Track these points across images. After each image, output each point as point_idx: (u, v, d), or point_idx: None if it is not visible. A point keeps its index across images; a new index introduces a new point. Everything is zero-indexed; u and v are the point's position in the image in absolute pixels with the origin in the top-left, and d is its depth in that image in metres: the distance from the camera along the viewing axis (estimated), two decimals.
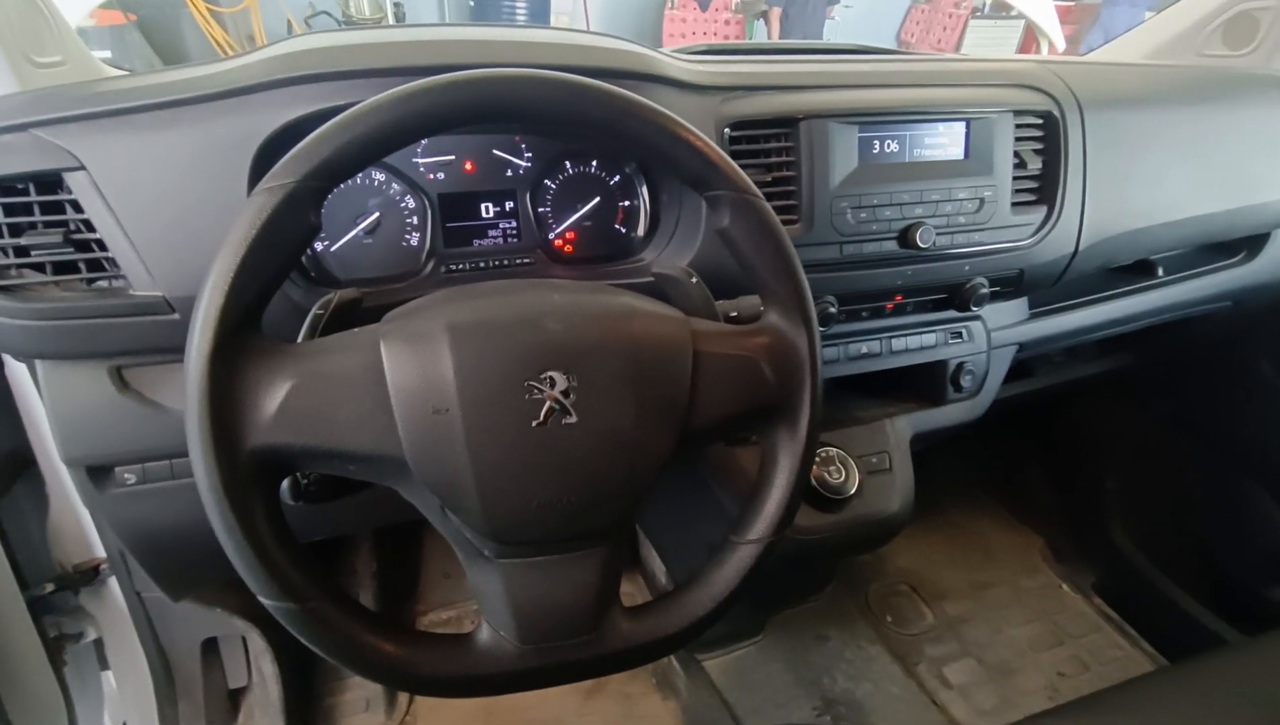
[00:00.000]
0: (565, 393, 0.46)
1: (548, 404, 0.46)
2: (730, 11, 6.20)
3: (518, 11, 5.32)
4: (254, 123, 0.58)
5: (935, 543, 1.56)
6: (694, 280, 0.61)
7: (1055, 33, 1.54)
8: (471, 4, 5.51)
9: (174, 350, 0.53)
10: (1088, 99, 0.83)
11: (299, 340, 0.51)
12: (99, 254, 0.58)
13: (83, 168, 0.56)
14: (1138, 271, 1.06)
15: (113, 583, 0.92)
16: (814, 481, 0.81)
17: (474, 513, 0.46)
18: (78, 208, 0.57)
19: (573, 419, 0.46)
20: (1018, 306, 0.96)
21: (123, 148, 0.57)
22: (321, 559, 1.30)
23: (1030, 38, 5.88)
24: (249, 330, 0.44)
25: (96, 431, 0.64)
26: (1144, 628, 1.38)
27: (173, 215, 0.58)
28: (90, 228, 0.57)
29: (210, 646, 1.04)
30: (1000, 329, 0.94)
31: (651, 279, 0.64)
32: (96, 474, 0.67)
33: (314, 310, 0.52)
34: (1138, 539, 1.44)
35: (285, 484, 0.53)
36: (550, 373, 0.46)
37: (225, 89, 0.58)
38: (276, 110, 0.58)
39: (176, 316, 0.60)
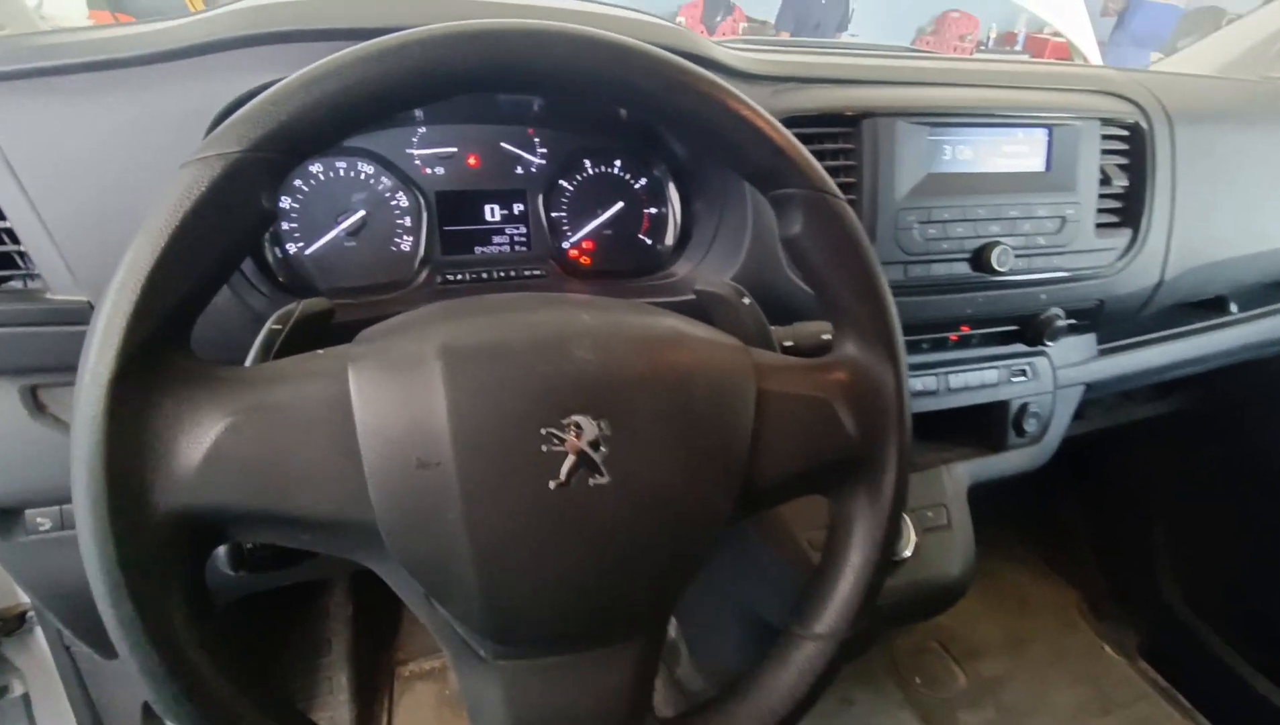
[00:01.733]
0: (595, 443, 0.34)
1: (571, 458, 0.34)
2: (738, 36, 6.20)
3: None
4: (211, 90, 0.46)
5: (966, 594, 1.43)
6: (746, 301, 0.50)
7: (1092, 53, 1.45)
8: None
9: None
10: (1177, 111, 0.73)
11: (248, 361, 0.40)
12: (9, 247, 0.47)
13: None
14: (1208, 307, 0.95)
15: (39, 633, 0.78)
16: None
17: (469, 602, 0.34)
18: None
19: (604, 479, 0.34)
20: (1086, 343, 0.85)
21: (44, 117, 0.46)
22: (290, 603, 1.18)
23: None
24: (170, 347, 0.33)
25: (2, 465, 0.52)
26: (1197, 697, 1.26)
27: (104, 202, 0.47)
28: None
29: (152, 710, 0.90)
30: (1067, 367, 0.83)
31: (691, 297, 0.53)
32: (2, 518, 0.55)
33: (269, 324, 0.41)
34: (1189, 596, 1.32)
35: (223, 549, 0.41)
36: (576, 417, 0.34)
37: (177, 47, 0.47)
38: (239, 75, 0.47)
39: None
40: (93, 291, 0.47)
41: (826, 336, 0.55)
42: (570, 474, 0.34)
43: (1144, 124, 0.71)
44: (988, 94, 0.66)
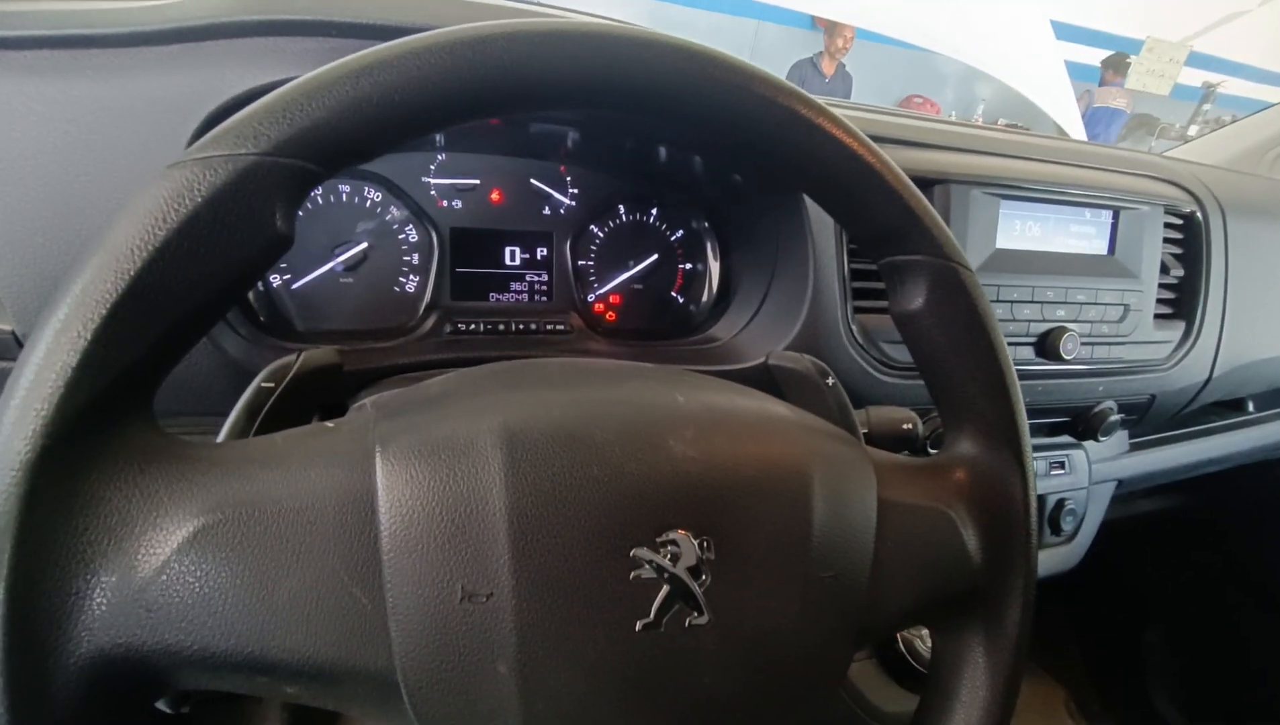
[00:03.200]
0: (696, 570, 0.26)
1: (665, 590, 0.25)
2: None
3: None
4: (204, 82, 0.38)
5: None
6: (830, 381, 0.42)
7: (1079, 135, 1.48)
8: None
9: None
10: (1229, 203, 0.71)
11: (223, 434, 0.30)
12: None
13: None
14: (1225, 406, 0.93)
15: None
16: (903, 649, 0.62)
17: None
18: None
19: (702, 619, 0.26)
20: (1119, 438, 0.80)
21: None
22: (214, 700, 1.02)
23: None
24: (128, 415, 0.23)
25: None
26: None
27: (53, 209, 0.37)
28: None
29: None
30: (1101, 462, 0.78)
31: (747, 367, 0.46)
32: None
33: (258, 381, 0.31)
34: (1180, 703, 1.27)
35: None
36: (673, 534, 0.26)
37: (167, 28, 0.38)
38: (242, 68, 0.38)
39: None
40: (22, 320, 0.37)
41: (908, 426, 0.48)
42: (662, 612, 0.25)
43: (1200, 214, 0.68)
44: (1059, 170, 0.62)
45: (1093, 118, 5.94)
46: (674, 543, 0.26)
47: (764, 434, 0.30)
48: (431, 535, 0.24)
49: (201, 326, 0.25)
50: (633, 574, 0.25)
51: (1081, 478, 0.76)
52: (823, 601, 0.29)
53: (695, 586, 0.26)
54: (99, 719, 0.22)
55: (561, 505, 0.25)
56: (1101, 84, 5.99)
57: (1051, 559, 0.78)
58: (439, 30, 0.25)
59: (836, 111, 0.52)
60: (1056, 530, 0.76)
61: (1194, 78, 7.31)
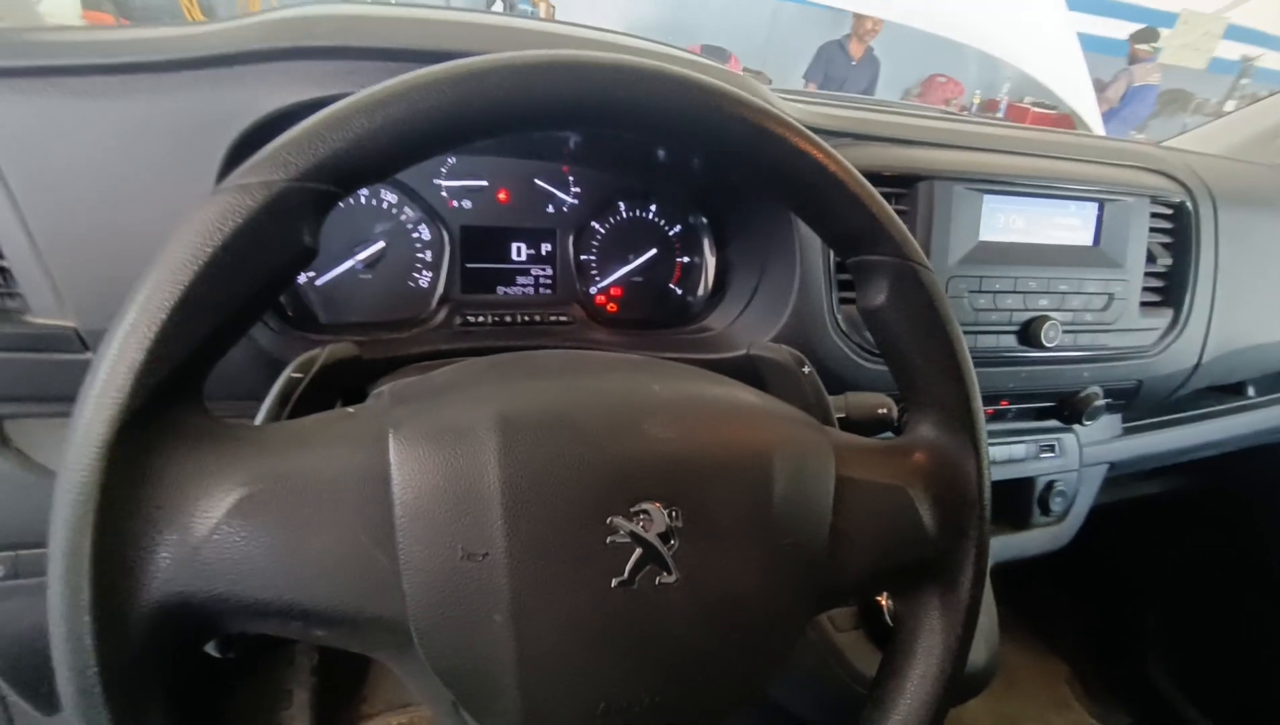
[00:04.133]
0: (665, 536, 0.30)
1: (638, 552, 0.29)
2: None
3: None
4: (236, 103, 0.42)
5: None
6: (806, 369, 0.46)
7: (1096, 125, 1.47)
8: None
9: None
10: (1220, 192, 0.72)
11: (260, 417, 0.35)
12: None
13: None
14: (1225, 391, 0.94)
15: None
16: (889, 620, 0.65)
17: (507, 716, 0.29)
18: None
19: (670, 578, 0.30)
20: (1112, 421, 0.82)
21: (44, 120, 0.41)
22: (250, 648, 1.09)
23: None
24: (182, 402, 0.27)
25: None
26: None
27: (102, 219, 0.41)
28: None
29: None
30: (1093, 445, 0.81)
31: (732, 357, 0.49)
32: None
33: (288, 372, 0.36)
34: (1181, 681, 1.29)
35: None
36: (645, 504, 0.30)
37: (200, 55, 0.42)
38: (270, 90, 0.42)
39: (89, 356, 0.42)
40: (79, 317, 0.42)
41: (883, 411, 0.52)
42: (635, 571, 0.29)
43: (1189, 204, 0.70)
44: (1042, 163, 0.64)
45: (1131, 96, 5.78)
46: (646, 512, 0.30)
47: (731, 418, 0.33)
48: (436, 504, 0.28)
49: (242, 326, 0.29)
50: (609, 539, 0.29)
51: (1072, 461, 0.79)
52: (783, 565, 0.32)
53: (664, 550, 0.30)
54: (163, 653, 0.27)
55: (548, 479, 0.29)
56: (1132, 60, 5.83)
57: (1042, 538, 0.80)
58: (443, 65, 0.29)
59: (805, 119, 0.55)
60: (1046, 511, 0.79)
61: (1232, 51, 7.08)
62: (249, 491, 0.27)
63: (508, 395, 0.31)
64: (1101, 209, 0.65)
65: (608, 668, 0.30)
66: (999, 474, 0.75)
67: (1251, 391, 0.94)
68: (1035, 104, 6.07)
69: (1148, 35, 5.83)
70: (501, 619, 0.28)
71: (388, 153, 0.29)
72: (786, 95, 0.63)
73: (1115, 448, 0.82)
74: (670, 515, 0.30)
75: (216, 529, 0.26)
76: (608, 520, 0.29)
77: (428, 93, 0.29)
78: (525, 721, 0.29)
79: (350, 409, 0.32)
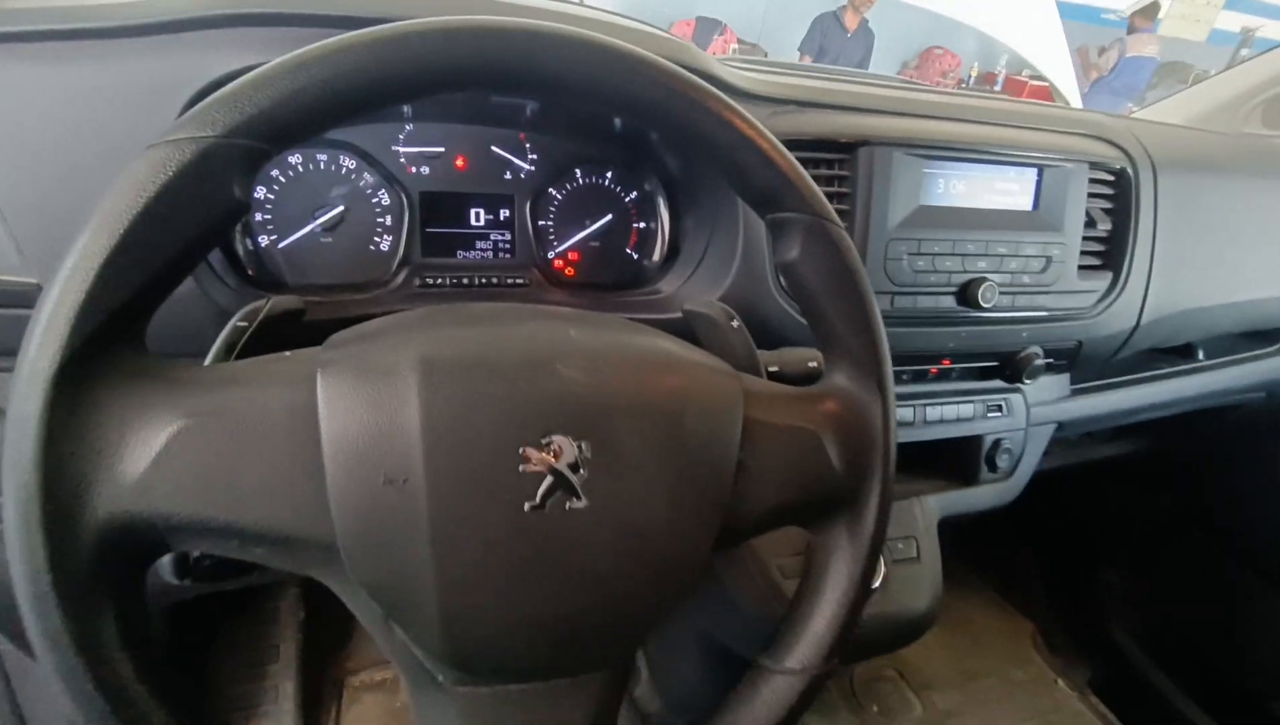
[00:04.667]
0: (574, 466, 0.33)
1: (548, 480, 0.32)
2: (728, 57, 6.27)
3: None
4: (186, 67, 0.44)
5: None
6: (735, 324, 0.48)
7: (1073, 93, 1.48)
8: None
9: None
10: (1162, 159, 0.74)
11: (207, 361, 0.37)
12: None
13: None
14: (1175, 354, 0.97)
15: None
16: None
17: (429, 626, 0.32)
18: None
19: (580, 503, 0.33)
20: (1060, 382, 0.85)
21: (1, 85, 0.43)
22: (237, 607, 1.13)
23: None
24: (121, 343, 0.30)
25: None
26: None
27: (61, 179, 0.44)
28: None
29: None
30: (1040, 405, 0.84)
31: (676, 316, 0.52)
32: None
33: (234, 321, 0.38)
34: (1137, 636, 1.34)
35: (166, 557, 0.38)
36: (556, 437, 0.33)
37: (150, 21, 0.44)
38: (217, 54, 0.44)
39: None
40: (42, 272, 0.44)
41: (813, 364, 0.54)
42: (546, 496, 0.32)
43: (1130, 170, 0.72)
44: (983, 130, 0.66)
45: (1123, 67, 5.76)
46: (557, 444, 0.33)
47: (642, 361, 0.36)
48: (360, 436, 0.30)
49: (178, 274, 0.31)
50: (521, 467, 0.32)
51: (1019, 420, 0.82)
52: (687, 496, 0.35)
53: (574, 478, 0.33)
54: (113, 567, 0.29)
55: (464, 413, 0.31)
56: (1130, 31, 5.78)
57: (989, 494, 0.84)
58: (367, 30, 0.31)
59: (750, 87, 0.57)
60: (993, 468, 0.82)
61: (1232, 22, 7.01)
62: (187, 423, 0.29)
63: (431, 340, 0.33)
64: (1041, 174, 0.67)
65: (522, 584, 0.33)
66: (948, 432, 0.79)
67: (1201, 355, 0.97)
68: (1033, 77, 6.03)
69: (1148, 9, 5.77)
70: (420, 538, 0.31)
71: (312, 111, 0.31)
72: (733, 63, 0.64)
73: (1063, 408, 0.86)
74: (579, 448, 0.33)
75: (156, 456, 0.29)
76: (520, 450, 0.32)
77: (349, 55, 0.31)
78: (446, 633, 0.32)
79: (288, 353, 0.34)
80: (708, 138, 0.38)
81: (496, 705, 0.35)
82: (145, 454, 0.29)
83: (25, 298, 0.44)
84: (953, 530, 1.55)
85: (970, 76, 7.16)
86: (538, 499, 0.32)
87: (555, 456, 0.32)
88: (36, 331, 0.28)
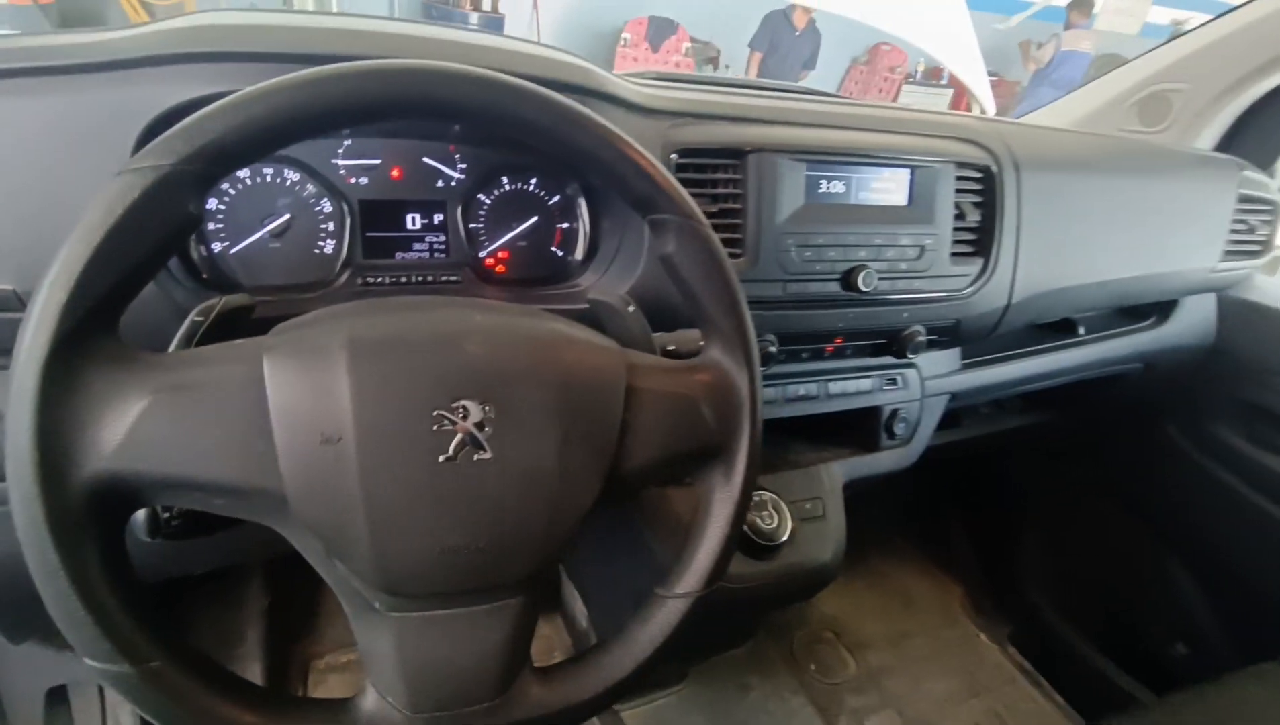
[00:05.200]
0: (480, 425, 0.40)
1: (459, 436, 0.40)
2: (680, 55, 6.37)
3: (470, 30, 5.33)
4: (140, 99, 0.50)
5: (859, 590, 1.55)
6: (631, 309, 0.57)
7: (987, 99, 1.62)
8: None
9: None
10: (1024, 158, 0.85)
11: (170, 349, 0.44)
12: None
13: None
14: (1060, 329, 1.09)
15: None
16: (746, 528, 0.78)
17: (364, 559, 0.40)
18: None
19: (487, 455, 0.41)
20: (951, 357, 0.96)
21: None
22: (206, 590, 1.18)
23: (959, 106, 6.30)
24: (99, 333, 0.37)
25: None
26: (1057, 682, 1.40)
27: (31, 197, 0.50)
28: None
29: (58, 696, 0.90)
30: (934, 378, 0.94)
31: (586, 306, 0.60)
32: None
33: (192, 316, 0.45)
34: (1051, 594, 1.47)
35: (141, 516, 0.45)
36: (464, 401, 0.40)
37: (109, 59, 0.51)
38: (169, 88, 0.51)
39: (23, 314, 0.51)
40: (16, 279, 0.50)
41: (703, 343, 0.63)
42: (457, 450, 0.40)
43: (995, 168, 0.82)
44: (859, 136, 0.75)
45: (1060, 61, 6.03)
46: (465, 408, 0.40)
47: (536, 339, 0.44)
48: (300, 403, 0.38)
49: (145, 277, 0.38)
50: (436, 427, 0.40)
51: (914, 392, 0.92)
52: (576, 449, 0.43)
53: (479, 434, 0.40)
54: (99, 515, 0.36)
55: (386, 382, 0.39)
56: (1067, 27, 6.05)
57: (889, 459, 0.94)
58: (297, 74, 0.39)
59: (650, 103, 0.65)
60: (892, 435, 0.92)
61: (1163, 16, 7.34)
62: (154, 398, 0.37)
63: (357, 325, 0.41)
64: (913, 174, 0.77)
65: (438, 522, 0.40)
66: (849, 404, 0.88)
67: (1081, 331, 1.08)
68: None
69: (1083, 4, 6.04)
70: (353, 484, 0.38)
71: (253, 141, 0.39)
72: (636, 80, 0.72)
73: (954, 380, 0.96)
74: (484, 409, 0.41)
75: (131, 425, 0.36)
76: (434, 412, 0.40)
77: (282, 95, 0.38)
78: (377, 563, 0.40)
79: (238, 341, 0.42)
80: (590, 154, 0.46)
81: (424, 627, 0.43)
82: (122, 423, 0.36)
83: (1, 302, 0.50)
84: (887, 505, 1.67)
85: (918, 71, 7.38)
86: (450, 452, 0.40)
87: (464, 417, 0.40)
88: (30, 324, 0.35)
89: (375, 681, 0.43)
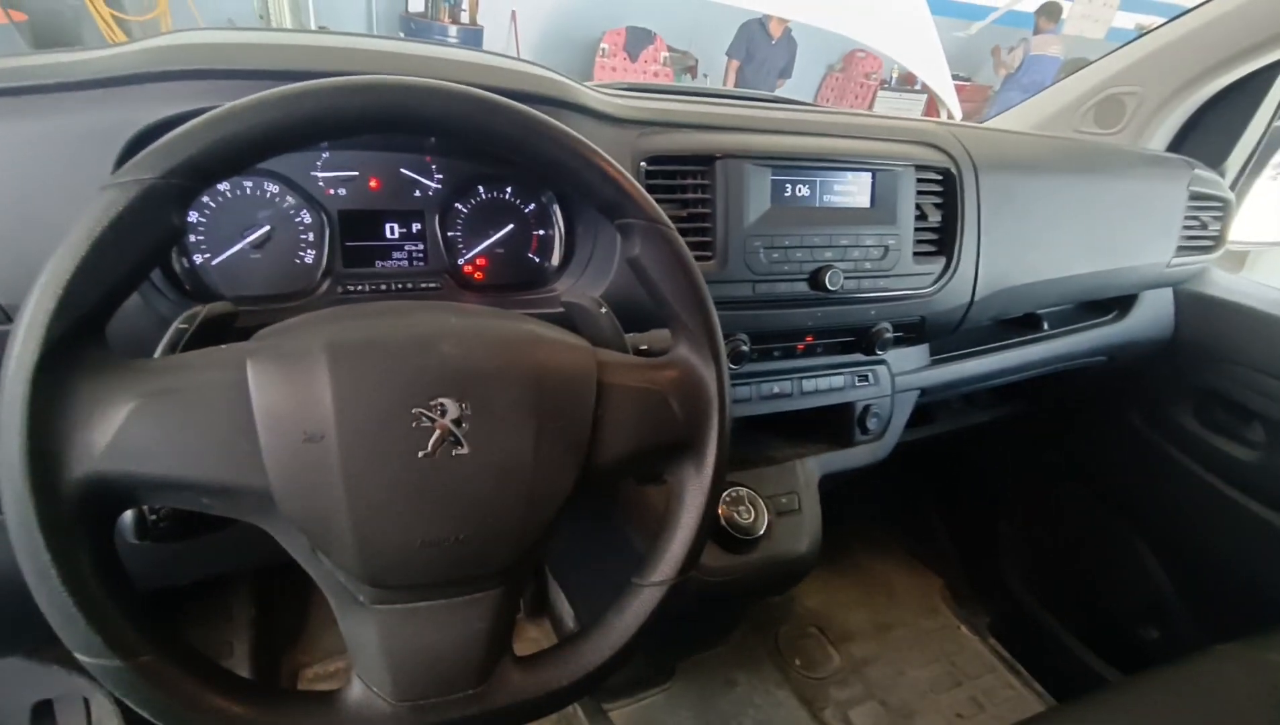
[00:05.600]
0: (457, 421, 0.42)
1: (437, 432, 0.42)
2: (659, 64, 6.43)
3: (449, 43, 5.35)
4: (122, 117, 0.52)
5: (842, 584, 1.58)
6: (603, 310, 0.59)
7: (954, 104, 1.67)
8: (401, 35, 5.47)
9: None
10: (982, 160, 0.88)
11: (155, 357, 0.46)
12: None
13: None
14: (1026, 325, 1.13)
15: None
16: (723, 522, 0.80)
17: (348, 552, 0.41)
18: None
19: (464, 450, 0.42)
20: (920, 353, 0.99)
21: None
22: (194, 602, 1.18)
23: (932, 111, 6.42)
24: (87, 342, 0.39)
25: None
26: (1034, 668, 1.44)
27: (17, 212, 0.51)
28: None
29: (43, 711, 0.90)
30: (904, 374, 0.97)
31: (561, 309, 0.62)
32: None
33: (176, 324, 0.47)
34: (1028, 582, 1.50)
35: (129, 519, 0.46)
36: (441, 399, 0.42)
37: (91, 78, 0.52)
38: (149, 105, 0.52)
39: (9, 327, 0.52)
40: (3, 293, 0.51)
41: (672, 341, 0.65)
42: (436, 446, 0.42)
43: (954, 170, 0.86)
44: (822, 142, 0.78)
45: (1029, 65, 6.17)
46: (443, 405, 0.42)
47: (510, 340, 0.46)
48: (283, 404, 0.40)
49: (129, 287, 0.40)
50: (414, 424, 0.42)
51: (885, 388, 0.95)
52: (550, 444, 0.45)
53: (457, 431, 0.42)
54: (90, 515, 0.38)
55: (365, 382, 0.41)
56: (1036, 32, 6.19)
57: (863, 453, 0.96)
58: (272, 91, 0.40)
59: (621, 113, 0.68)
60: (865, 430, 0.95)
61: (1128, 21, 7.53)
62: (141, 402, 0.38)
63: (337, 329, 0.43)
64: (874, 177, 0.80)
65: (419, 515, 0.42)
66: (822, 401, 0.91)
67: (1045, 326, 1.12)
68: (952, 76, 6.39)
69: (1051, 9, 6.19)
70: (336, 481, 0.40)
71: (231, 157, 0.40)
72: (607, 90, 0.75)
73: (924, 376, 0.99)
74: (461, 407, 0.43)
75: (119, 428, 0.38)
76: (413, 410, 0.42)
77: (259, 111, 0.40)
78: (360, 556, 0.41)
79: (221, 347, 0.43)
80: (559, 163, 0.48)
81: (407, 619, 0.45)
82: (110, 426, 0.38)
83: None
84: (867, 499, 1.70)
85: (892, 77, 7.50)
86: (429, 448, 0.42)
87: (442, 414, 0.42)
88: (19, 333, 0.36)
89: (361, 672, 0.45)
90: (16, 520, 0.36)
